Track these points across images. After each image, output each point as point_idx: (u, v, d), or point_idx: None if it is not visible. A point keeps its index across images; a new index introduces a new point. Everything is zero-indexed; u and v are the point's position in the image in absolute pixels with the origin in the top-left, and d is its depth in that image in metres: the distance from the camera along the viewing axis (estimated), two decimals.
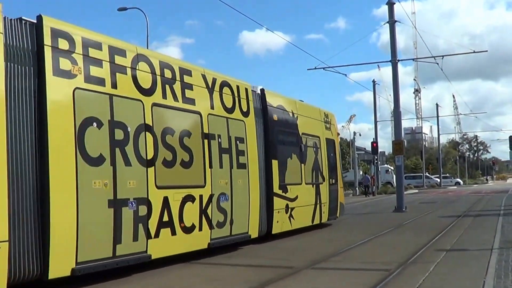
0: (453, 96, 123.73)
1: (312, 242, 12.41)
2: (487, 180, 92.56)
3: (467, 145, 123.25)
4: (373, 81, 44.23)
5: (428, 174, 64.99)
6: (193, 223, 9.30)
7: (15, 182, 6.40)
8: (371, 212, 21.51)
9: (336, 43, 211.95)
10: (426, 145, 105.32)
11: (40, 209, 6.68)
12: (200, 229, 9.50)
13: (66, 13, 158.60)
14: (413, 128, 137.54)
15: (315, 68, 25.59)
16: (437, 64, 25.51)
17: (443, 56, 25.75)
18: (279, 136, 12.79)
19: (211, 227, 9.79)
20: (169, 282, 7.91)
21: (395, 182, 28.81)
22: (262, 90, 12.52)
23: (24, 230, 6.50)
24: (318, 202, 14.65)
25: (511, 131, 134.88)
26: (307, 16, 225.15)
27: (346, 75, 43.83)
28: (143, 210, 8.11)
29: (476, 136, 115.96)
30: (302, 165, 13.83)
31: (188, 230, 9.16)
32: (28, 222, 6.56)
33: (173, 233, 8.79)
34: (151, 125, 8.45)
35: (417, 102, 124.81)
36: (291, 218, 13.00)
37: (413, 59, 48.54)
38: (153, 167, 8.40)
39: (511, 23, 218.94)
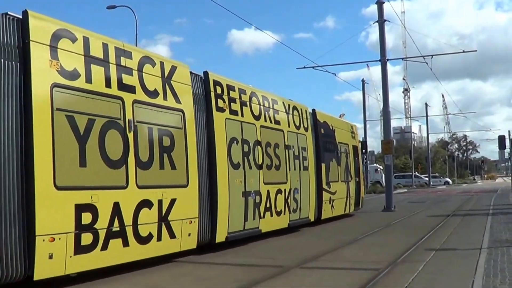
0: (442, 95, 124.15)
1: (302, 240, 12.80)
2: (474, 179, 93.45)
3: (456, 145, 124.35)
4: (362, 81, 44.71)
5: (417, 174, 65.13)
6: (281, 209, 13.14)
7: (199, 179, 10.11)
8: (360, 212, 20.82)
9: (325, 42, 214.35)
10: (415, 145, 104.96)
11: (211, 197, 10.44)
12: (284, 213, 13.34)
13: (55, 10, 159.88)
14: (402, 128, 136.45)
15: (304, 67, 25.57)
16: (426, 63, 25.39)
17: (432, 55, 25.69)
18: (325, 145, 16.71)
19: (289, 212, 13.64)
20: (158, 281, 8.04)
21: (384, 182, 27.74)
22: (314, 110, 16.41)
23: (203, 210, 10.23)
24: (348, 196, 18.62)
25: (500, 130, 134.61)
26: (296, 15, 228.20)
27: (335, 74, 45.13)
28: (257, 199, 11.92)
29: (465, 135, 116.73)
30: (338, 166, 17.77)
31: (278, 213, 12.99)
32: (205, 205, 10.30)
33: (271, 215, 12.62)
34: (260, 140, 12.28)
35: (406, 101, 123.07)
36: (332, 208, 16.93)
37: (402, 59, 47.42)
38: (262, 169, 12.22)
39: (500, 23, 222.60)
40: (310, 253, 10.29)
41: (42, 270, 6.88)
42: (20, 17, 7.16)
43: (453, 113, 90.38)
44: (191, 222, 9.66)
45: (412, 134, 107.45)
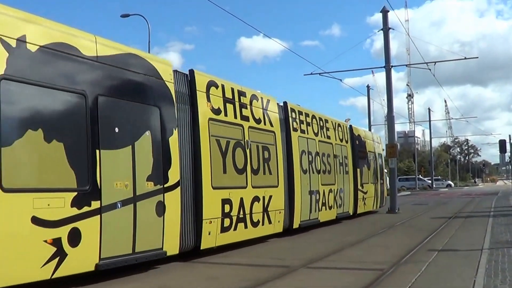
0: (445, 101, 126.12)
1: (309, 242, 13.08)
2: (476, 182, 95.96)
3: (458, 149, 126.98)
4: (367, 86, 45.34)
5: (420, 177, 67.19)
6: (331, 204, 16.87)
7: (284, 181, 13.77)
8: (364, 213, 21.03)
9: (331, 50, 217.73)
10: (419, 148, 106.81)
11: (289, 194, 14.11)
12: (333, 208, 17.08)
13: (71, 18, 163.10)
14: (406, 132, 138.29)
15: (312, 74, 26.51)
16: (429, 70, 26.16)
17: (435, 62, 26.40)
18: (359, 154, 20.46)
19: (336, 207, 17.36)
20: (167, 281, 8.13)
21: (388, 184, 27.42)
22: (351, 126, 20.22)
23: (285, 204, 13.89)
24: (375, 195, 22.38)
25: (501, 135, 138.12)
26: (303, 23, 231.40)
27: (341, 80, 46.39)
28: (317, 196, 15.64)
29: (467, 139, 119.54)
30: (368, 171, 21.53)
31: (330, 208, 16.72)
32: (286, 200, 13.96)
33: (326, 209, 16.34)
34: (318, 151, 16.00)
35: (409, 106, 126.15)
36: (364, 205, 20.67)
37: (406, 65, 48.76)
38: (320, 174, 15.94)
39: (500, 31, 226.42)
40: (316, 254, 10.73)
41: (205, 243, 10.50)
42: (187, 73, 10.83)
43: (455, 118, 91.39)
44: (280, 212, 13.35)
45: (416, 138, 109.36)
